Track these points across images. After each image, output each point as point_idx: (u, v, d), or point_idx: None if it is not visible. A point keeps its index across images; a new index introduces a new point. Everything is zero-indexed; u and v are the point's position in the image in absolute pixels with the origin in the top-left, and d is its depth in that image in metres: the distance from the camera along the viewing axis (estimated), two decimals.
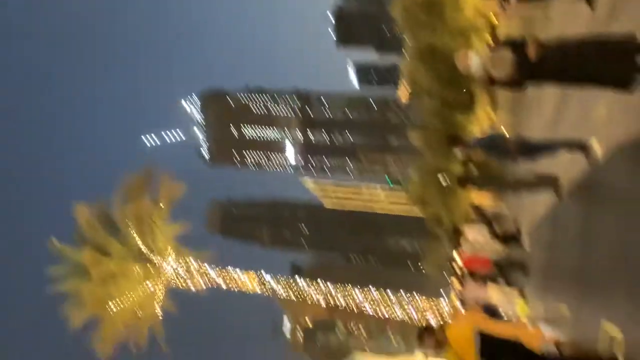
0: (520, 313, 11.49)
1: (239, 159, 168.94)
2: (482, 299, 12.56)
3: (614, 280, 5.33)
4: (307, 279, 33.84)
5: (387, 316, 31.69)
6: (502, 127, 20.80)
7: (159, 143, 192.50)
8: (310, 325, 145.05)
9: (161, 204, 28.95)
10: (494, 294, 12.86)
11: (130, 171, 29.89)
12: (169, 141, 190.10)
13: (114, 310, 27.15)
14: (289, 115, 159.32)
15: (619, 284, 5.13)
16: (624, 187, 5.57)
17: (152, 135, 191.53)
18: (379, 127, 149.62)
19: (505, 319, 9.60)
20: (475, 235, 13.80)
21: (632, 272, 4.82)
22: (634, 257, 4.84)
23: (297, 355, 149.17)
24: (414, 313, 29.77)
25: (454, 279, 21.99)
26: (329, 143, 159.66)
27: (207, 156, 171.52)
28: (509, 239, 13.61)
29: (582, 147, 6.94)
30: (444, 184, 30.61)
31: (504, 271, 14.63)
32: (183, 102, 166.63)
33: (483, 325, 6.42)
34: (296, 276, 35.90)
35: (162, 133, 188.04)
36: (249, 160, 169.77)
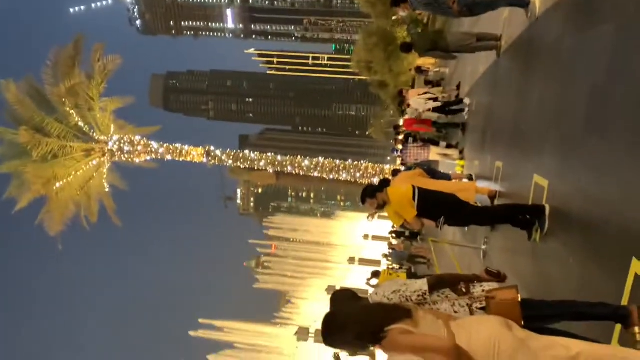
0: (459, 171, 12.12)
1: (175, 27, 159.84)
2: (423, 159, 13.10)
3: (543, 136, 5.60)
4: (255, 150, 34.03)
5: (334, 180, 32.77)
6: None
7: (87, 13, 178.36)
8: (260, 191, 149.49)
9: (97, 77, 27.47)
10: (435, 155, 13.41)
11: (59, 45, 27.77)
12: (99, 12, 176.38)
13: (60, 188, 26.83)
14: None
15: (548, 139, 5.41)
16: (558, 43, 5.65)
17: (81, 7, 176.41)
18: None
19: (445, 177, 10.12)
20: (418, 98, 13.96)
21: (560, 128, 5.07)
22: (563, 113, 5.06)
23: (247, 219, 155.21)
24: (359, 178, 30.79)
25: (397, 143, 22.61)
26: (271, 7, 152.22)
27: (141, 26, 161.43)
28: (451, 101, 13.90)
29: (522, 5, 6.91)
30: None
31: (444, 133, 15.14)
32: None
33: (422, 183, 6.76)
34: (245, 149, 35.94)
35: (92, 4, 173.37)
36: (186, 28, 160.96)
